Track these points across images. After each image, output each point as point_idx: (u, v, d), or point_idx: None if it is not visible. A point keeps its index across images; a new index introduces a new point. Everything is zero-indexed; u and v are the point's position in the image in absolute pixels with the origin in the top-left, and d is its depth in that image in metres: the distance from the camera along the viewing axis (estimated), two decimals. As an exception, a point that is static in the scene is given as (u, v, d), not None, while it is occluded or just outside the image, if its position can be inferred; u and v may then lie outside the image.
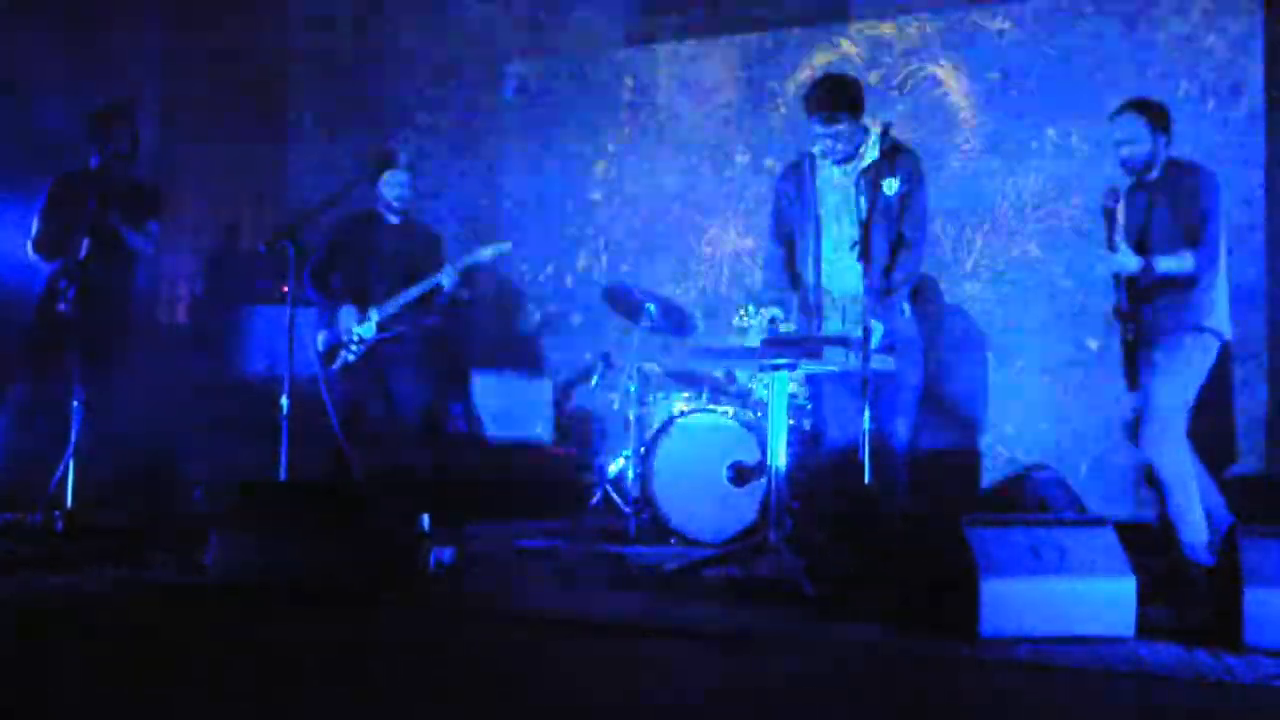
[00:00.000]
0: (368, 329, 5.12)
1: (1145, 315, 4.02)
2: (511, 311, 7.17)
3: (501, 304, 7.18)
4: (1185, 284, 3.93)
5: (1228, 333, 4.03)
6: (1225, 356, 4.05)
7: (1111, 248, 3.99)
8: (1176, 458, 3.90)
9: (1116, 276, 4.02)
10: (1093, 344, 5.67)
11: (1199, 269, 3.92)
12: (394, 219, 5.27)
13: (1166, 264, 3.89)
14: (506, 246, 5.33)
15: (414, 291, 5.11)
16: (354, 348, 5.12)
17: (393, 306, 5.13)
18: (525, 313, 7.13)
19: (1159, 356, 3.97)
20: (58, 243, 4.97)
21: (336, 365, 5.13)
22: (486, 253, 5.20)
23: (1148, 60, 5.65)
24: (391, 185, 5.21)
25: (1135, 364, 4.06)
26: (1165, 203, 3.98)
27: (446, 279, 5.08)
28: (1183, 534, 3.88)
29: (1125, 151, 4.07)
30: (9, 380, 5.03)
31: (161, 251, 5.32)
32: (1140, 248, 3.98)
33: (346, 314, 5.15)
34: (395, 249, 5.25)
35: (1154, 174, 4.05)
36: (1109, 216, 4.06)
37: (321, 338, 5.20)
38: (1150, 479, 4.09)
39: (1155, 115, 4.05)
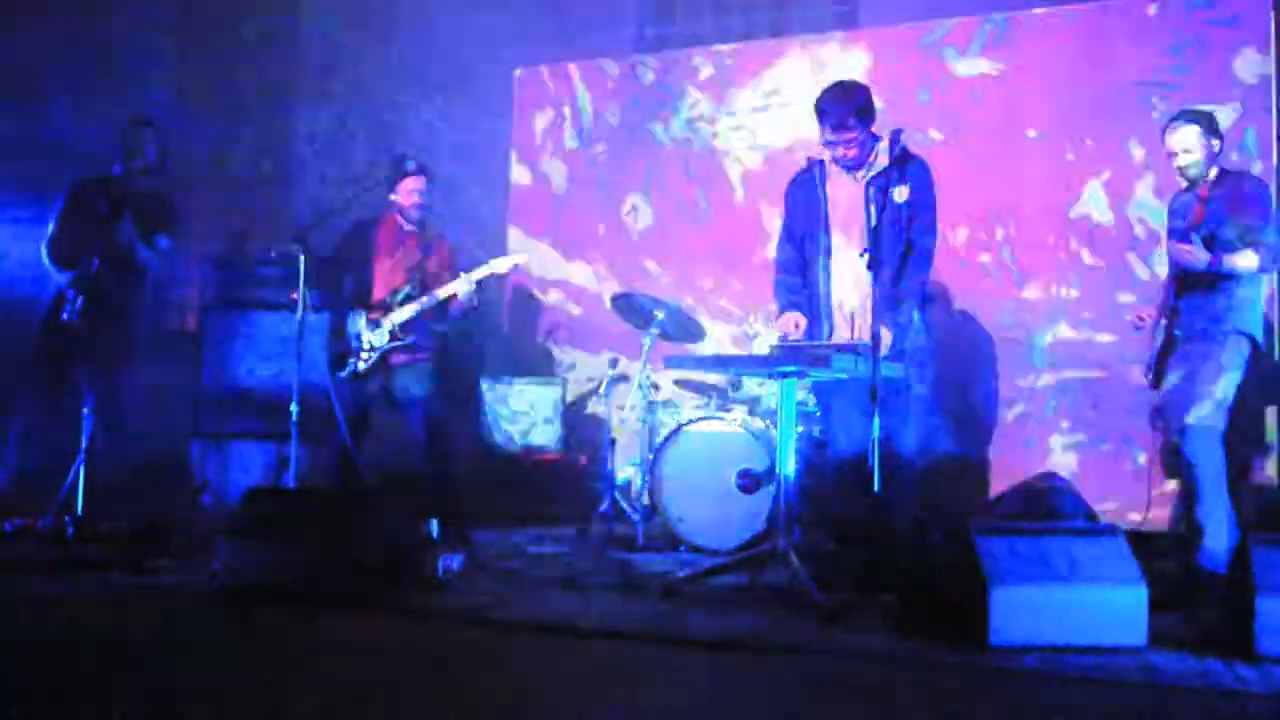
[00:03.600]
0: (379, 337, 5.12)
1: (1184, 314, 4.10)
2: (520, 319, 7.18)
3: (511, 312, 7.19)
4: (1226, 285, 4.01)
5: (1261, 337, 4.06)
6: (1255, 361, 4.07)
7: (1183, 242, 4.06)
8: (1214, 460, 3.92)
9: (1179, 271, 4.09)
10: (1107, 339, 5.66)
11: (1263, 269, 4.02)
12: (409, 225, 5.27)
13: (1233, 261, 3.96)
14: (523, 258, 5.33)
15: (428, 301, 5.10)
16: (365, 355, 5.12)
17: (405, 314, 5.12)
18: (534, 320, 7.14)
19: (1196, 358, 4.01)
20: (71, 247, 4.98)
21: (346, 372, 5.12)
22: (503, 264, 5.20)
23: (1161, 64, 5.65)
24: (409, 192, 5.21)
25: (1165, 362, 4.11)
26: (1222, 207, 4.06)
27: (462, 290, 5.07)
28: (1206, 538, 3.88)
29: (1182, 160, 4.21)
30: (21, 388, 5.05)
31: (169, 260, 5.33)
32: None
33: (357, 321, 5.15)
34: (410, 256, 5.25)
35: (1208, 179, 4.15)
36: (1173, 215, 4.25)
37: (330, 343, 5.20)
38: (1178, 478, 4.11)
39: (1207, 123, 4.18)
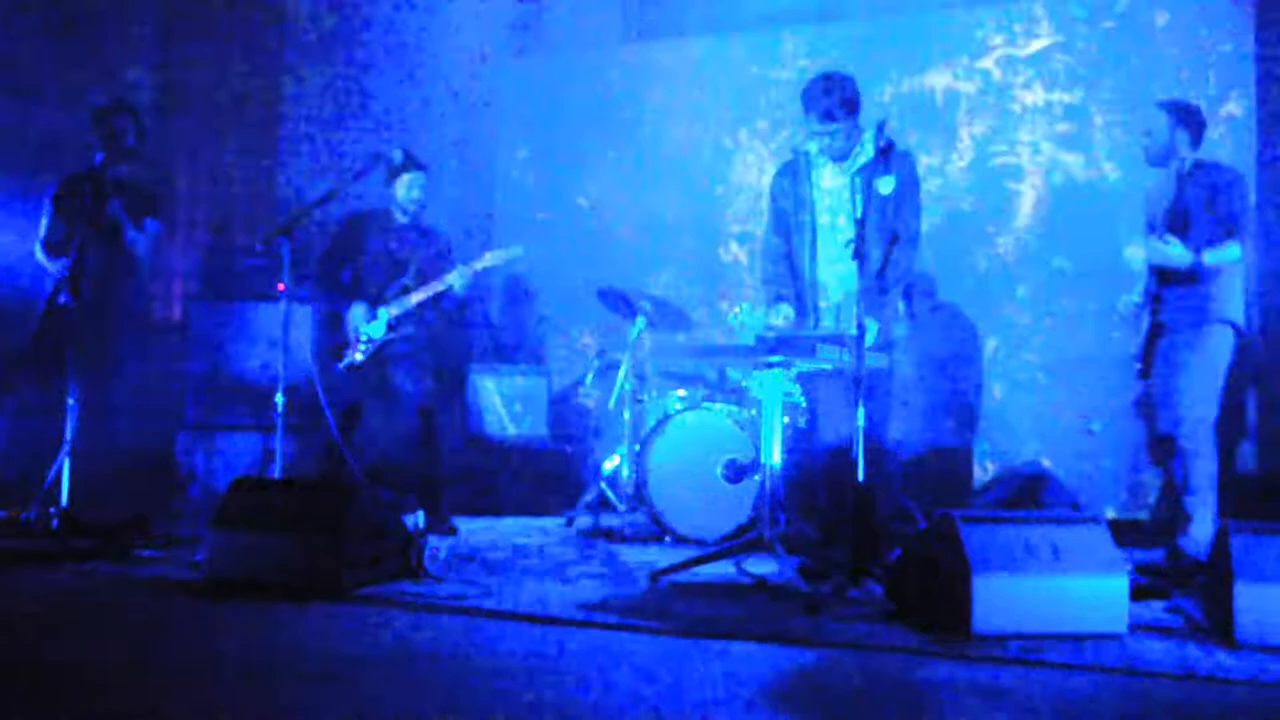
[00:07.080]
0: (377, 329, 5.14)
1: (1167, 304, 4.09)
2: (508, 310, 7.18)
3: (499, 302, 7.18)
4: (1208, 274, 4.01)
5: (1243, 323, 4.09)
6: (1240, 348, 4.10)
7: (1161, 240, 4.06)
8: (1210, 451, 3.95)
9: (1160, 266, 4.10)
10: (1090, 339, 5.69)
11: (1243, 260, 4.04)
12: (405, 219, 5.29)
13: (1217, 255, 3.98)
14: (518, 251, 5.33)
15: (424, 294, 5.13)
16: (362, 347, 5.14)
17: (402, 307, 5.15)
18: (522, 311, 7.13)
19: (1185, 348, 4.03)
20: (63, 242, 4.97)
21: (344, 363, 5.15)
22: (498, 257, 5.22)
23: (1146, 63, 5.67)
24: (408, 186, 5.23)
25: (1153, 352, 4.13)
26: (1197, 197, 4.07)
27: (458, 281, 5.10)
28: (1193, 526, 3.91)
29: (1146, 141, 4.27)
30: (13, 377, 5.03)
31: (157, 244, 5.32)
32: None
33: (355, 313, 5.17)
34: (406, 250, 5.27)
35: (1183, 170, 4.15)
36: (1150, 203, 4.27)
37: (328, 334, 5.21)
38: (1166, 467, 4.13)
39: (1178, 112, 4.20)
